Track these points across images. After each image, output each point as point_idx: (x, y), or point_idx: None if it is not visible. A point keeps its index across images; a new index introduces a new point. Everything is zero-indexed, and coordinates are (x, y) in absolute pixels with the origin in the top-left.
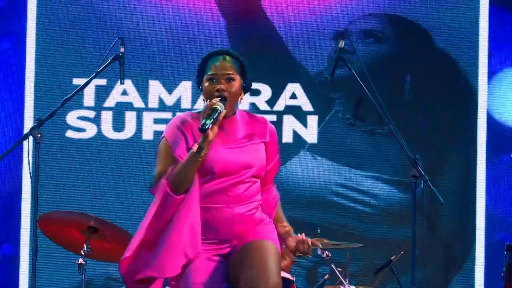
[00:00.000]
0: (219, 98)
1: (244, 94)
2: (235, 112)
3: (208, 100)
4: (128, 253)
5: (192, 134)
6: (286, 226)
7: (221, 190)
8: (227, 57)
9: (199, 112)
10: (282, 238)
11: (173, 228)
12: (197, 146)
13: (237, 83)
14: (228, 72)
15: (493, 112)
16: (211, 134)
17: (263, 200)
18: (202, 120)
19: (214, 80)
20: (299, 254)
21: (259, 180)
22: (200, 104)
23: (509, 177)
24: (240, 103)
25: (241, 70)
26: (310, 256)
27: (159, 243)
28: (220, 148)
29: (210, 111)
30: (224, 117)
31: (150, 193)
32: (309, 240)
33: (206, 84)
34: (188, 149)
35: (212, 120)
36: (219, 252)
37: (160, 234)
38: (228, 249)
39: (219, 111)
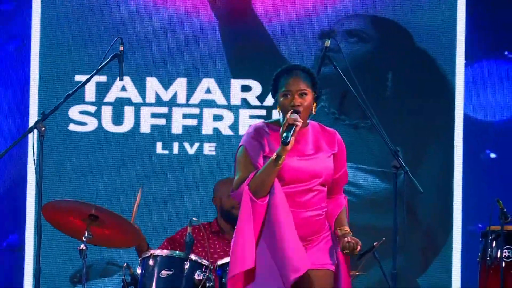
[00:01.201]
0: (296, 112)
1: (316, 104)
2: (308, 124)
3: (289, 113)
4: (241, 266)
5: (267, 142)
6: (343, 229)
7: (290, 195)
8: (300, 72)
9: (272, 122)
10: (338, 239)
11: (283, 230)
12: (275, 155)
13: (309, 97)
14: (301, 88)
15: (470, 107)
16: (289, 145)
17: (329, 207)
18: (283, 133)
19: (289, 96)
20: (346, 251)
21: (325, 189)
22: (195, 100)
23: (484, 168)
24: (314, 113)
25: (313, 84)
26: (355, 254)
27: (273, 247)
28: (294, 157)
29: (289, 124)
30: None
31: (231, 197)
32: (353, 241)
33: (281, 99)
34: (264, 156)
35: (291, 133)
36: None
37: (269, 240)
38: None
39: (296, 125)
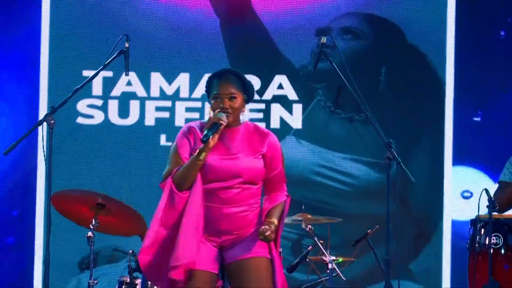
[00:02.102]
0: (221, 111)
1: (247, 104)
2: (240, 124)
3: (216, 112)
4: (145, 247)
5: (194, 139)
6: (267, 220)
7: (213, 192)
8: (230, 76)
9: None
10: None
11: (184, 222)
12: (198, 151)
13: (239, 99)
14: (230, 91)
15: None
16: (211, 142)
17: (264, 204)
18: (205, 130)
19: (219, 99)
20: (260, 237)
21: (254, 187)
22: (197, 94)
23: (473, 159)
24: (243, 113)
25: (243, 86)
26: (269, 239)
27: (175, 236)
28: (216, 156)
29: (213, 123)
30: (228, 126)
31: (160, 187)
32: (267, 226)
33: (212, 101)
34: (191, 153)
35: (212, 132)
36: (212, 243)
37: (174, 228)
38: (218, 241)
39: (220, 124)
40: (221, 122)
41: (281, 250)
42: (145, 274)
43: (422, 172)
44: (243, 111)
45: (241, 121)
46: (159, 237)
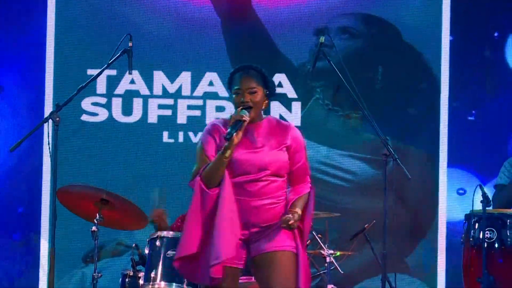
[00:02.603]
0: (246, 108)
1: (269, 100)
2: (262, 118)
3: (238, 110)
4: (184, 251)
5: (219, 136)
6: (291, 210)
7: (241, 185)
8: (251, 71)
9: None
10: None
11: (220, 219)
12: (223, 148)
13: (260, 93)
14: (251, 86)
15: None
16: (235, 139)
17: (289, 196)
18: (228, 128)
19: (240, 94)
20: (283, 225)
21: (280, 179)
22: (199, 92)
23: (467, 156)
24: (264, 107)
25: (264, 81)
26: (292, 227)
27: (211, 234)
28: (242, 151)
29: (235, 121)
30: (251, 121)
31: (189, 186)
32: (289, 215)
33: (234, 96)
34: (217, 150)
35: (235, 129)
36: (240, 236)
37: (209, 226)
38: (246, 234)
39: (243, 121)
40: (244, 119)
41: (309, 242)
42: (185, 275)
43: (418, 168)
44: (265, 106)
45: (263, 116)
46: (195, 237)
